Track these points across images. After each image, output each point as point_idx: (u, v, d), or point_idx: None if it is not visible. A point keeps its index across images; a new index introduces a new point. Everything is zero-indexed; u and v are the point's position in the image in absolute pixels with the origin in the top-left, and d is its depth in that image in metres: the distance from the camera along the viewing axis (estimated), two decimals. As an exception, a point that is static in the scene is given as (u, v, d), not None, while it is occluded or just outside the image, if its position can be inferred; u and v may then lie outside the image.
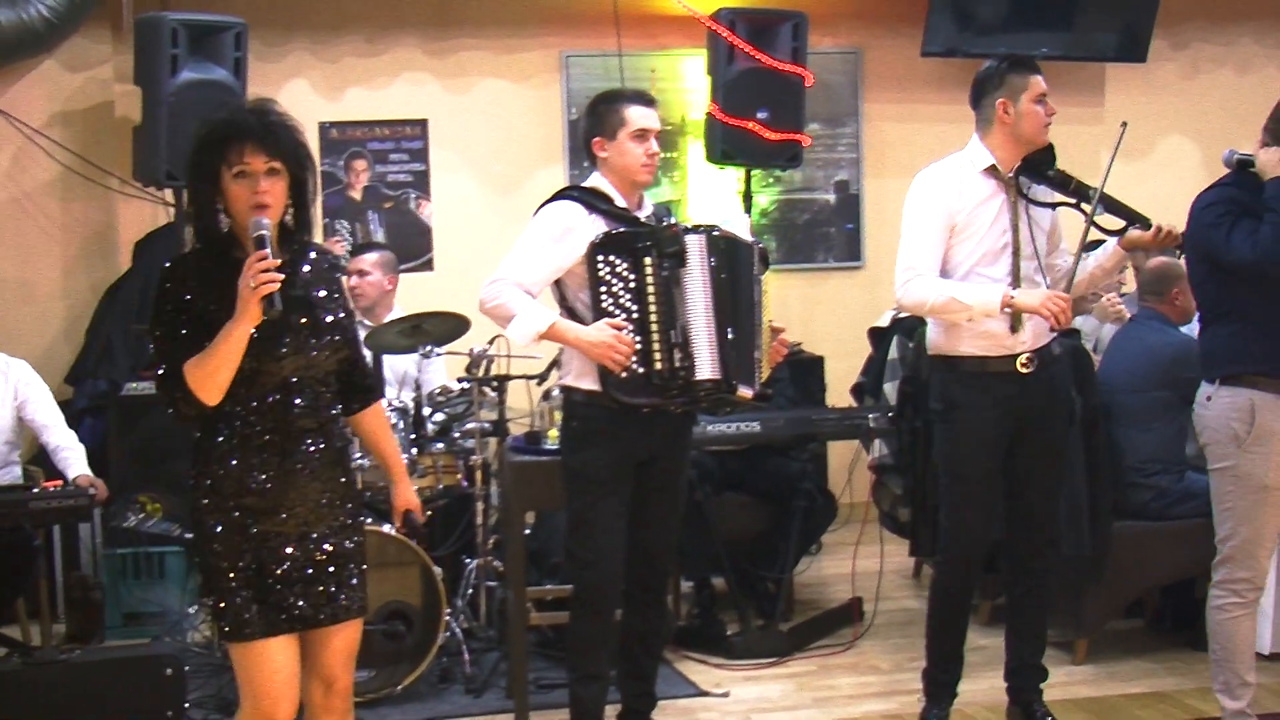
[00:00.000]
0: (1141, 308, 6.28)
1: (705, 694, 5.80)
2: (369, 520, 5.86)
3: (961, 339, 5.04)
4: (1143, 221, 5.03)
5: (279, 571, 3.69)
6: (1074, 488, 5.74)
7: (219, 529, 3.65)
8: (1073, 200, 5.09)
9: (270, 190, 3.60)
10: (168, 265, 3.69)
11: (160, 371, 3.62)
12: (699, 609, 6.54)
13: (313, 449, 3.73)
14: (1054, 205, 5.14)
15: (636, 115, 4.84)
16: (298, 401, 3.70)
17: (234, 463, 3.65)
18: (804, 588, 7.11)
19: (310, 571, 3.73)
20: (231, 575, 3.65)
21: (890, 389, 6.92)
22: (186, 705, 5.52)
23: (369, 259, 6.95)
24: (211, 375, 3.56)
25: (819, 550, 7.51)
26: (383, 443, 4.14)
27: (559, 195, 4.92)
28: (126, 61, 7.58)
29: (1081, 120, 8.79)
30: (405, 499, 4.19)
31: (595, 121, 4.91)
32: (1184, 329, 6.12)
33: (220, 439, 3.66)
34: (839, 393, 7.78)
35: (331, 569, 3.76)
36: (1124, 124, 5.11)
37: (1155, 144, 9.31)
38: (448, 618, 5.83)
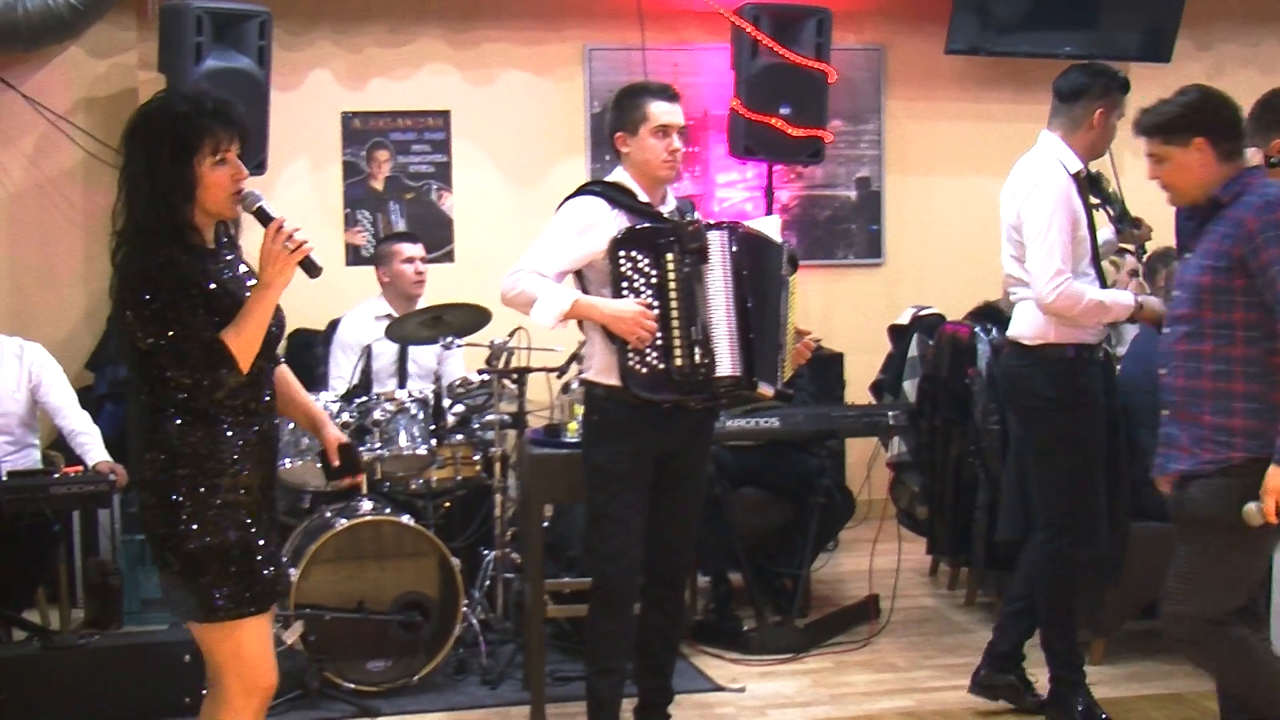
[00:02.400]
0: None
1: (721, 689, 5.80)
2: (387, 510, 5.88)
3: (1074, 328, 5.17)
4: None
5: (262, 546, 3.74)
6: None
7: (213, 511, 3.66)
8: (1113, 213, 5.49)
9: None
10: (166, 264, 3.60)
11: (212, 347, 3.61)
12: (716, 604, 6.55)
13: (274, 428, 3.85)
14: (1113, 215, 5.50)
15: (659, 111, 4.83)
16: (268, 382, 3.80)
17: (225, 445, 3.68)
18: (821, 584, 7.11)
19: (274, 549, 3.83)
20: (230, 554, 3.67)
21: (909, 387, 6.94)
22: (204, 692, 5.53)
23: (419, 250, 7.02)
24: (252, 344, 3.64)
25: (836, 547, 7.52)
26: (298, 395, 4.14)
27: (582, 190, 4.92)
28: (151, 49, 7.59)
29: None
30: (335, 436, 4.12)
31: (618, 116, 4.91)
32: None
33: (215, 425, 3.68)
34: (858, 390, 7.78)
35: (277, 545, 3.90)
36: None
37: (1179, 144, 9.27)
38: (465, 609, 5.85)
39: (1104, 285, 5.25)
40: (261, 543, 3.74)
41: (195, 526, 3.64)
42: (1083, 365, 5.20)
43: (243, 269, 3.83)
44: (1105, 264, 6.15)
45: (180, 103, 3.72)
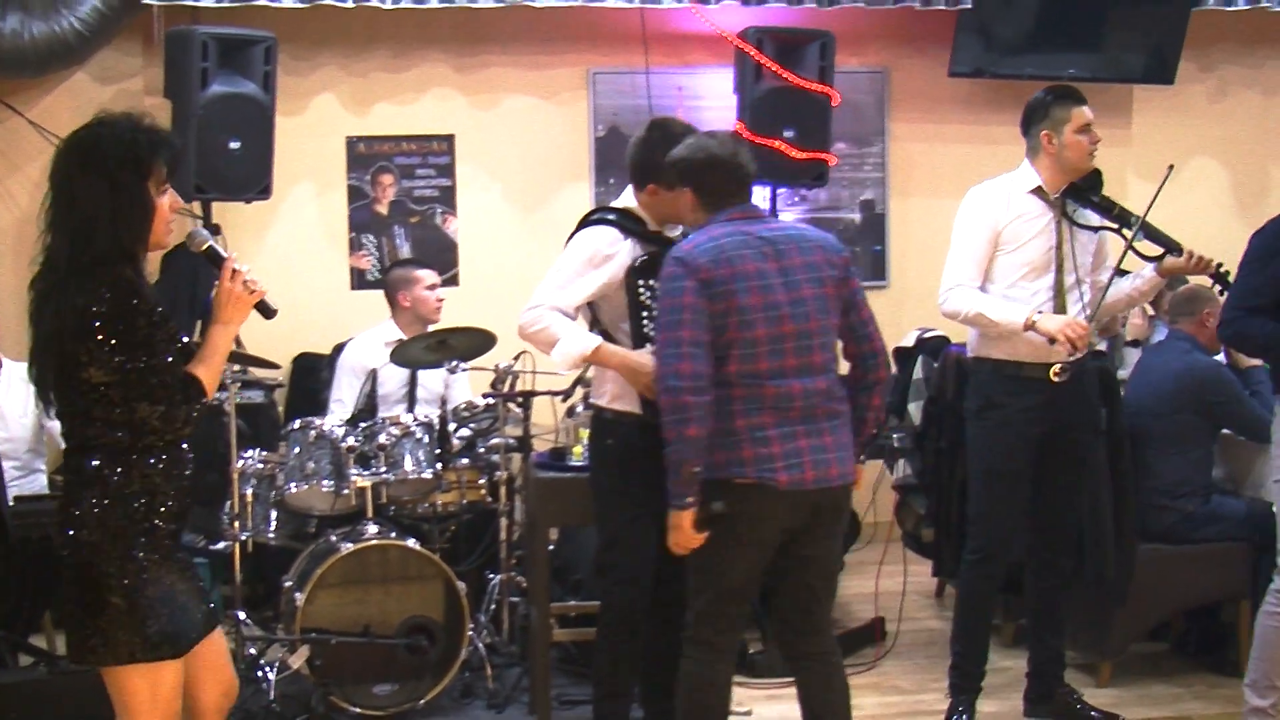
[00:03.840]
0: (1171, 329, 6.27)
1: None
2: (393, 534, 5.88)
3: (1000, 342, 5.33)
4: (1177, 249, 5.39)
5: (190, 581, 3.75)
6: (1099, 509, 5.74)
7: (155, 550, 3.65)
8: (1115, 225, 5.41)
9: None
10: (129, 292, 3.59)
11: (185, 381, 3.64)
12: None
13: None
14: (1097, 229, 5.46)
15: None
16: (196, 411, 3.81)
17: (161, 484, 3.67)
18: (826, 607, 7.09)
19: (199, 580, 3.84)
20: (172, 593, 3.66)
21: (915, 409, 6.92)
22: None
23: (437, 277, 7.11)
24: (216, 379, 3.74)
25: (842, 569, 7.48)
26: None
27: (594, 219, 4.91)
28: (157, 74, 7.63)
29: (1109, 141, 8.61)
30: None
31: (654, 160, 4.79)
32: (1217, 356, 6.13)
33: (153, 459, 3.65)
34: (863, 412, 7.76)
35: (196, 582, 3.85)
36: (1171, 167, 5.41)
37: (1182, 166, 9.25)
38: (471, 633, 5.84)
39: (1058, 298, 5.30)
40: (183, 586, 3.72)
41: (143, 566, 3.62)
42: (1002, 381, 5.33)
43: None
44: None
45: (128, 128, 3.67)
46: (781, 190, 8.45)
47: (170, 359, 3.61)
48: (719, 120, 8.37)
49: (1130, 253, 5.35)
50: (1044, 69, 8.53)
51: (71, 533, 3.63)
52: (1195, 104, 9.26)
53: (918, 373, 7.01)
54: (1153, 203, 5.29)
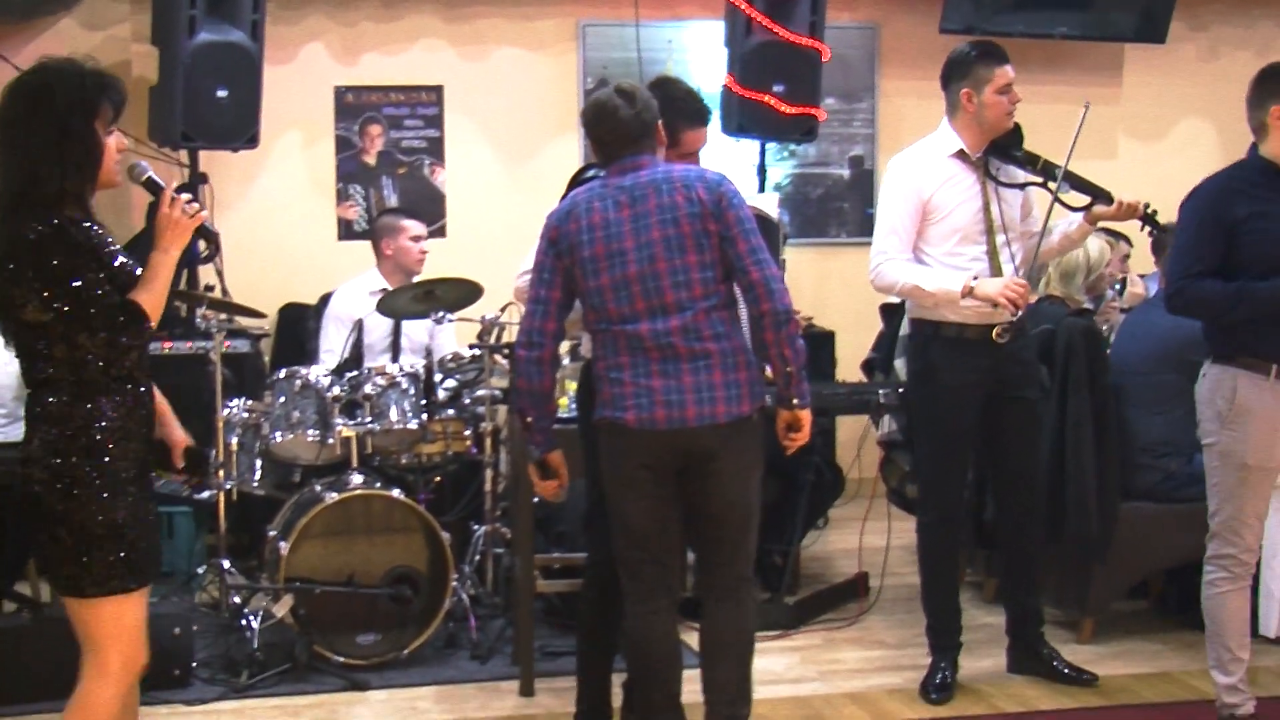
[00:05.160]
0: (1159, 289, 6.27)
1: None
2: (377, 484, 5.88)
3: (941, 306, 5.30)
4: (1105, 197, 5.36)
5: (148, 521, 3.79)
6: (1081, 468, 5.75)
7: (107, 488, 3.68)
8: (1039, 179, 5.37)
9: None
10: (56, 230, 3.61)
11: (126, 306, 3.66)
12: (704, 580, 6.55)
13: (153, 401, 3.88)
14: (1022, 185, 5.43)
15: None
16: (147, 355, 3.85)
17: (113, 419, 3.70)
18: (811, 561, 7.12)
19: (154, 522, 3.88)
20: (121, 529, 3.69)
21: (901, 365, 6.90)
22: (194, 665, 5.55)
23: (423, 229, 7.10)
24: (160, 305, 3.73)
25: (826, 524, 7.53)
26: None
27: (587, 176, 4.87)
28: (144, 21, 7.59)
29: (1099, 100, 8.71)
30: (181, 437, 4.09)
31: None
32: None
33: (104, 397, 3.69)
34: (849, 368, 7.78)
35: (155, 518, 3.92)
36: (1087, 105, 5.30)
37: (1173, 126, 9.28)
38: (454, 583, 5.85)
39: (993, 261, 5.28)
40: (149, 518, 3.78)
41: (88, 502, 3.66)
42: (943, 343, 5.33)
43: (113, 241, 3.83)
44: (1101, 242, 6.17)
45: (76, 71, 3.72)
46: (770, 145, 8.44)
47: (103, 290, 3.62)
48: (707, 75, 8.37)
49: (1058, 205, 5.34)
50: (1035, 27, 8.52)
51: (28, 469, 3.69)
52: (1186, 63, 9.24)
53: (904, 329, 7.00)
54: (1073, 148, 5.21)
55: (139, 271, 3.74)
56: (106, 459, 3.68)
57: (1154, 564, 6.14)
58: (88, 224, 3.70)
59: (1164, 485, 5.93)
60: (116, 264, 3.69)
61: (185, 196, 3.80)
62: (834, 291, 8.78)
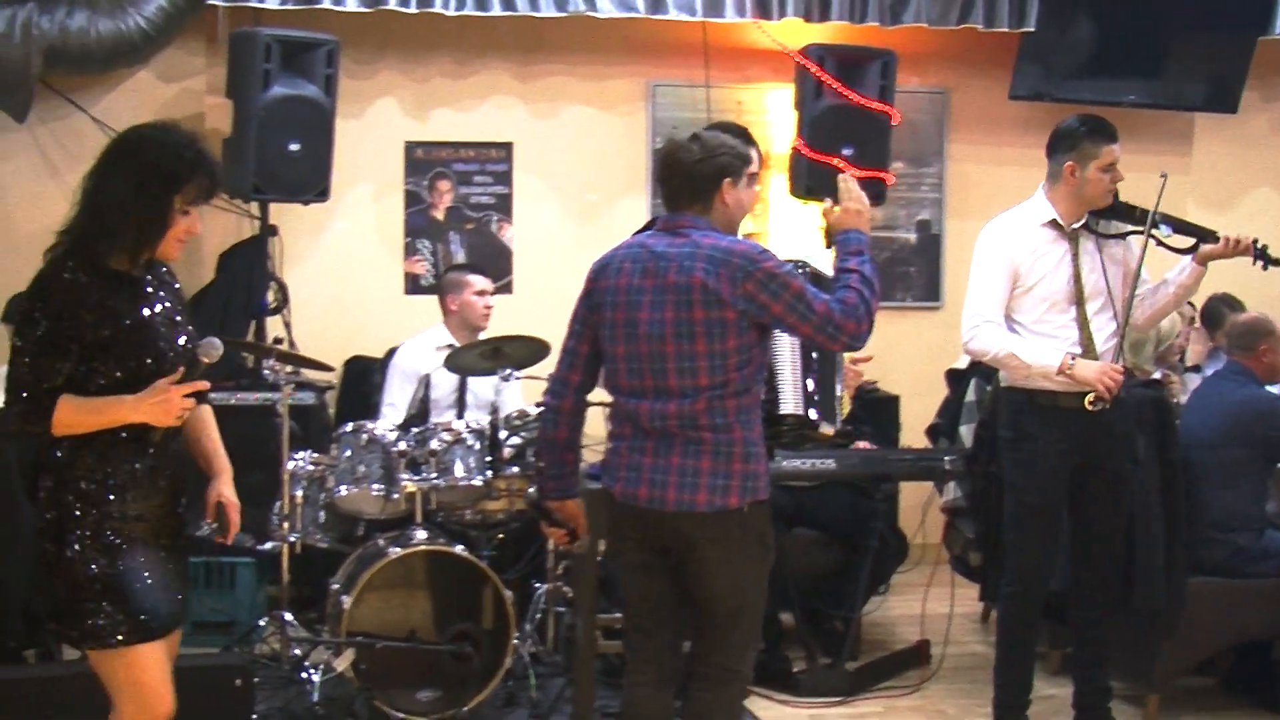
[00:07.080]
0: (1228, 361, 6.22)
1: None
2: (441, 540, 5.88)
3: (1035, 376, 5.28)
4: (1211, 235, 5.36)
5: (151, 575, 3.77)
6: (1150, 541, 5.69)
7: (99, 538, 3.69)
8: (1140, 228, 5.35)
9: None
10: (56, 281, 3.67)
11: (28, 392, 3.63)
12: (766, 644, 6.49)
13: (176, 456, 3.89)
14: (1124, 236, 5.40)
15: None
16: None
17: (113, 472, 3.71)
18: (872, 628, 7.07)
19: (171, 577, 3.87)
20: (113, 582, 3.69)
21: (966, 432, 6.89)
22: (254, 717, 5.55)
23: (489, 284, 7.12)
24: (78, 429, 3.66)
25: (888, 590, 7.47)
26: (208, 439, 4.08)
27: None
28: (219, 74, 7.67)
29: (1169, 169, 8.68)
30: (222, 493, 4.03)
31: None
32: (1272, 388, 6.07)
33: (85, 449, 3.70)
34: (914, 433, 7.75)
35: (179, 573, 3.92)
36: (1164, 175, 5.31)
37: (1244, 196, 9.21)
38: (515, 641, 5.83)
39: (1083, 331, 5.26)
40: (147, 573, 3.75)
41: (80, 553, 3.67)
42: (1036, 411, 5.29)
43: (164, 306, 3.83)
44: (1174, 313, 6.13)
45: (174, 141, 3.75)
46: (838, 208, 8.42)
47: (41, 366, 3.62)
48: (776, 137, 8.39)
49: (1161, 248, 5.32)
50: (1104, 95, 8.48)
51: (36, 521, 3.76)
52: (1258, 134, 9.19)
53: (970, 395, 6.98)
54: (1158, 203, 5.26)
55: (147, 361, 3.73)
56: (99, 512, 3.69)
57: (1222, 640, 6.06)
58: (123, 281, 3.73)
59: (1233, 560, 5.87)
60: (95, 361, 3.67)
61: (195, 388, 3.71)
62: (899, 356, 8.73)
